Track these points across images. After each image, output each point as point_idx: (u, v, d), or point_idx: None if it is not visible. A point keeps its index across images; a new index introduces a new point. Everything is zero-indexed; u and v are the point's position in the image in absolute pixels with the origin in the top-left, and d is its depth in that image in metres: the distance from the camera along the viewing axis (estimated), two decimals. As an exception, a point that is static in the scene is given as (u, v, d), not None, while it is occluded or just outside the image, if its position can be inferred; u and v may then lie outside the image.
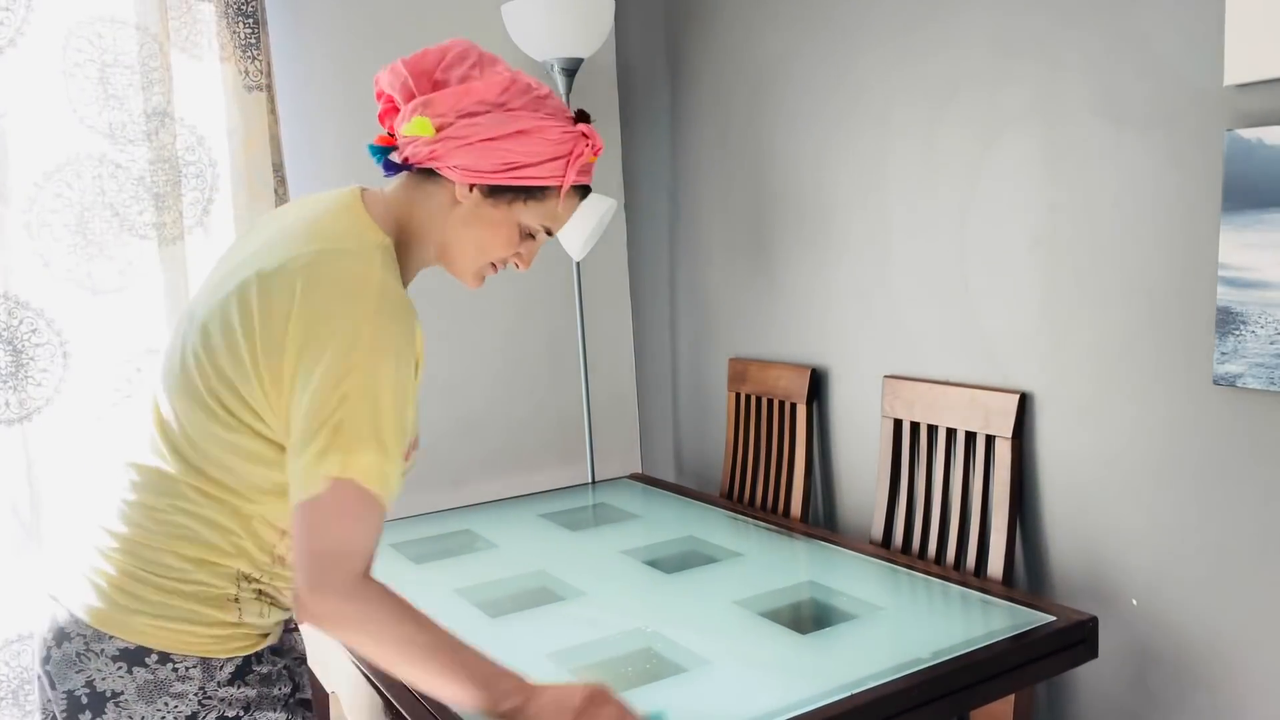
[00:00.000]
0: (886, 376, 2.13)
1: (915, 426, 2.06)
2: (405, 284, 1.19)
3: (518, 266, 1.24)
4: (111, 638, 1.08)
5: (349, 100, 2.52)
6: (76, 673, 1.09)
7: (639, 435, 3.06)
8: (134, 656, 1.08)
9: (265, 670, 1.15)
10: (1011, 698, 1.54)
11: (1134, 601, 1.73)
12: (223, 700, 1.11)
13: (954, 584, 1.72)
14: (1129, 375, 1.69)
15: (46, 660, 1.11)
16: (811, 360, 2.37)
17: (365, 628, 1.05)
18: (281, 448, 1.08)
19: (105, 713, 1.08)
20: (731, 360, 2.58)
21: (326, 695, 2.00)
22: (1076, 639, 1.52)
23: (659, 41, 2.76)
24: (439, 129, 1.12)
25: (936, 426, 2.01)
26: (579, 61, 2.47)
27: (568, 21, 2.36)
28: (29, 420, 2.12)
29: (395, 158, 1.19)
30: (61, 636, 1.10)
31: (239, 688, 1.12)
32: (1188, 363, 1.60)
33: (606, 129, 2.92)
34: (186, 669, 1.09)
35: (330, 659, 1.66)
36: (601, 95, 2.91)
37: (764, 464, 2.46)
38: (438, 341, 2.68)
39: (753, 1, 2.41)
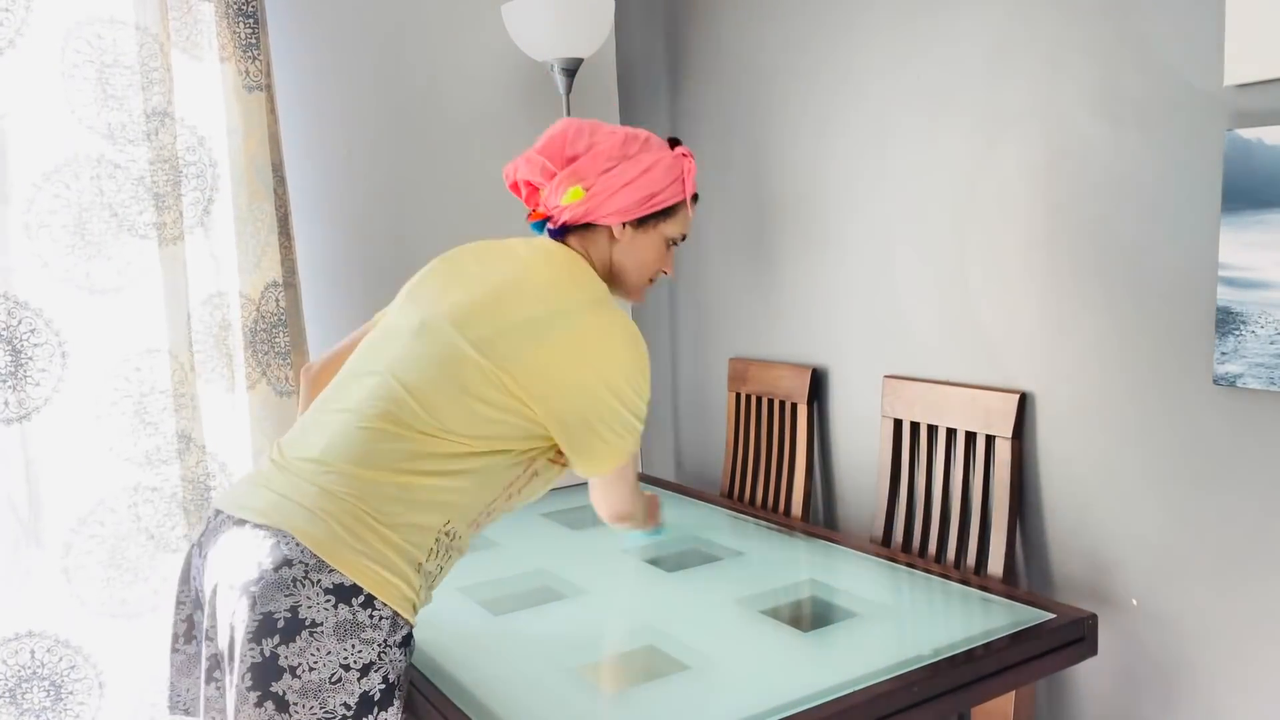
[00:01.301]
0: (886, 376, 2.13)
1: (915, 426, 2.06)
2: None
3: (666, 274, 1.54)
4: (332, 570, 1.19)
5: (349, 100, 2.52)
6: (285, 596, 1.17)
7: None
8: (345, 593, 1.18)
9: (411, 650, 1.27)
10: (1012, 695, 1.54)
11: (1134, 601, 1.73)
12: (392, 661, 1.21)
13: (954, 582, 1.72)
14: (1129, 375, 1.70)
15: (258, 582, 1.18)
16: (811, 360, 2.37)
17: (639, 521, 1.59)
18: (527, 434, 1.33)
19: (296, 640, 1.16)
20: (731, 360, 2.58)
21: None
22: (1076, 636, 1.53)
23: (659, 41, 2.76)
24: (587, 190, 1.41)
25: (936, 426, 2.01)
26: (579, 61, 2.48)
27: (568, 21, 2.36)
28: (28, 420, 2.12)
29: (552, 225, 1.47)
30: (283, 563, 1.19)
31: (404, 654, 1.23)
32: (1188, 363, 1.61)
33: (606, 129, 2.93)
34: (381, 618, 1.20)
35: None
36: (601, 95, 2.91)
37: (764, 464, 2.47)
38: (437, 341, 2.68)
39: (753, 1, 2.41)
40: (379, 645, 1.20)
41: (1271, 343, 1.47)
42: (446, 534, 1.29)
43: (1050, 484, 1.85)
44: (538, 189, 1.47)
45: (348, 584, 1.19)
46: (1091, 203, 1.72)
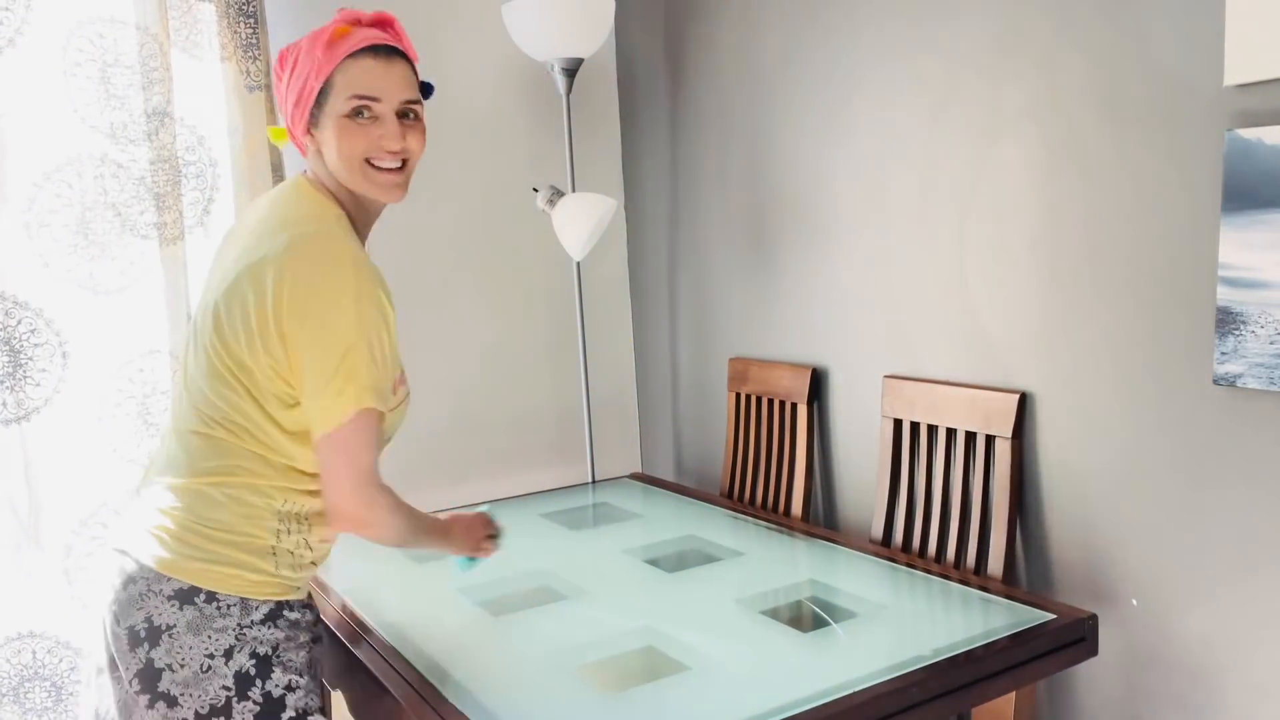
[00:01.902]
0: (886, 376, 2.13)
1: (915, 426, 2.06)
2: (364, 236, 1.43)
3: (391, 146, 1.35)
4: (170, 579, 1.28)
5: (349, 100, 2.51)
6: (137, 610, 1.28)
7: (639, 435, 3.06)
8: (186, 595, 1.28)
9: (294, 617, 1.35)
10: (1012, 695, 1.54)
11: (1134, 601, 1.73)
12: (255, 638, 1.31)
13: (954, 582, 1.72)
14: (1129, 375, 1.70)
15: (114, 602, 1.30)
16: (811, 360, 2.37)
17: (392, 522, 1.34)
18: (294, 402, 1.31)
19: (160, 643, 1.28)
20: (731, 360, 2.58)
21: (329, 693, 2.00)
22: (1077, 637, 1.53)
23: (659, 41, 2.76)
24: (282, 115, 1.40)
25: (936, 426, 2.01)
26: (579, 61, 2.48)
27: (568, 21, 2.36)
28: (27, 420, 2.12)
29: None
30: (128, 581, 1.30)
31: (269, 629, 1.32)
32: (1188, 363, 1.61)
33: (606, 129, 2.92)
34: (228, 606, 1.29)
35: (332, 658, 1.66)
36: (601, 95, 2.91)
37: (764, 464, 2.47)
38: (438, 341, 2.68)
39: (753, 1, 2.41)
40: (233, 630, 1.30)
41: (1271, 343, 1.47)
42: (287, 514, 1.34)
43: (1050, 484, 1.85)
44: None
45: (186, 587, 1.29)
46: (1091, 202, 1.72)
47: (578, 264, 2.59)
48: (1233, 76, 1.47)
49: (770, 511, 2.39)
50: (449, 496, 2.72)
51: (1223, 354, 1.53)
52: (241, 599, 1.30)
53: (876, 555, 1.89)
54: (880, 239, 2.14)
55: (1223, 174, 1.50)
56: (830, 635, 1.52)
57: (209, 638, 1.28)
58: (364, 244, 1.41)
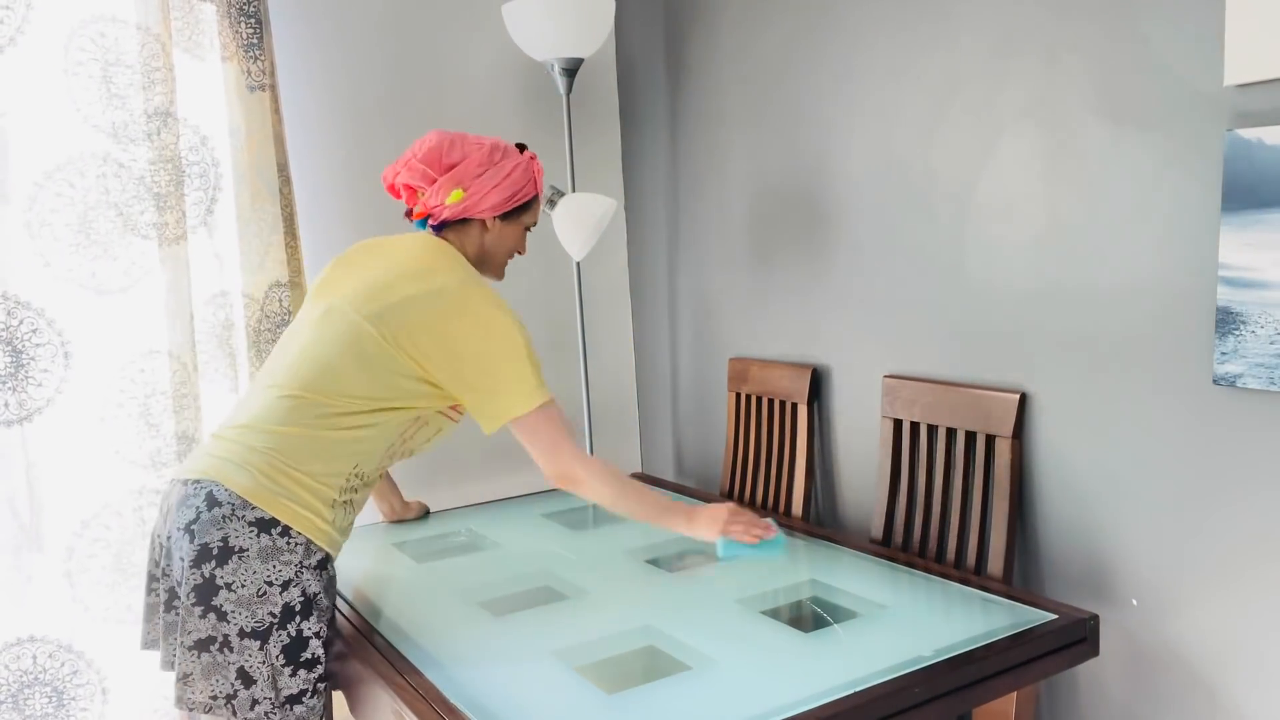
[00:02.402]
0: (886, 376, 2.13)
1: (915, 426, 2.07)
2: None
3: (522, 254, 1.86)
4: (254, 508, 1.50)
5: (352, 99, 2.52)
6: (217, 530, 1.48)
7: (639, 435, 3.06)
8: (265, 525, 1.50)
9: (332, 574, 1.58)
10: (1013, 696, 1.54)
11: (1134, 601, 1.73)
12: (307, 579, 1.52)
13: (954, 582, 1.72)
14: (1129, 375, 1.70)
15: (195, 521, 1.49)
16: (811, 360, 2.37)
17: (608, 481, 1.65)
18: (425, 385, 1.62)
19: (229, 563, 1.47)
20: (731, 360, 2.58)
21: (329, 694, 2.01)
22: (1078, 637, 1.53)
23: (659, 41, 2.76)
24: (466, 192, 1.71)
25: (936, 426, 2.01)
26: (579, 61, 2.48)
27: (568, 21, 2.36)
28: (29, 421, 2.12)
29: (433, 222, 1.74)
30: (213, 502, 1.50)
31: (318, 575, 1.54)
32: (1188, 363, 1.61)
33: (606, 129, 2.93)
34: (296, 544, 1.51)
35: (333, 658, 1.67)
36: (601, 95, 2.91)
37: (764, 464, 2.47)
38: (438, 341, 2.68)
39: (753, 1, 2.41)
40: (295, 565, 1.51)
41: (1271, 343, 1.47)
42: (356, 475, 1.60)
43: (1050, 484, 1.85)
44: (416, 191, 1.74)
45: (267, 517, 1.50)
46: (1091, 202, 1.72)
47: (578, 264, 2.59)
48: (1233, 76, 1.47)
49: (770, 511, 2.39)
50: (449, 496, 2.72)
51: (1223, 354, 1.53)
52: (307, 540, 1.52)
53: (876, 555, 1.89)
54: (880, 239, 2.14)
55: (1223, 174, 1.50)
56: (831, 635, 1.52)
57: (274, 567, 1.49)
58: None
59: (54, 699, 2.16)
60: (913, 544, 2.06)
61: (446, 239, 1.75)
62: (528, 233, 1.84)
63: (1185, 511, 1.64)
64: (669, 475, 2.95)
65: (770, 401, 2.46)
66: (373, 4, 2.53)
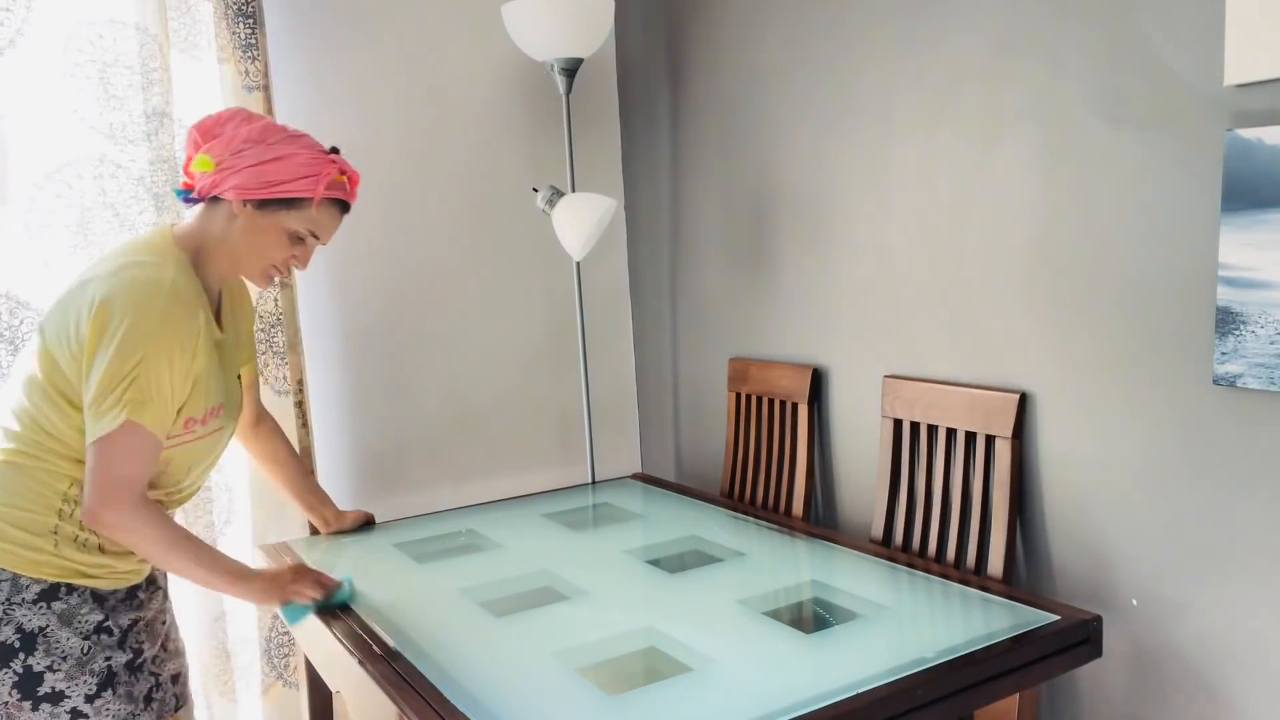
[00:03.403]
0: (886, 376, 2.13)
1: (915, 426, 2.07)
2: (210, 289, 1.59)
3: (297, 267, 1.62)
4: None
5: (348, 100, 2.52)
6: None
7: (639, 435, 3.06)
8: None
9: (74, 602, 1.45)
10: (1016, 697, 1.55)
11: (1134, 601, 1.73)
12: (22, 615, 1.41)
13: (954, 583, 1.72)
14: (1129, 375, 1.70)
15: None
16: (811, 360, 2.37)
17: (143, 534, 1.44)
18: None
19: None
20: (731, 360, 2.58)
21: (330, 694, 2.01)
22: (1081, 638, 1.53)
23: (659, 41, 2.76)
24: (217, 164, 1.52)
25: (936, 426, 2.01)
26: (579, 61, 2.48)
27: (568, 21, 2.36)
28: (29, 421, 2.12)
29: (193, 195, 1.57)
30: None
31: (40, 609, 1.42)
32: (1188, 363, 1.61)
33: (606, 129, 2.92)
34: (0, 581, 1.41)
35: (334, 658, 1.66)
36: (601, 95, 2.91)
37: (764, 464, 2.47)
38: (439, 341, 2.68)
39: (753, 1, 2.41)
40: (1, 605, 1.41)
41: (1271, 343, 1.47)
42: (72, 497, 1.47)
43: (1050, 484, 1.85)
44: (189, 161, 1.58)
45: None
46: (1091, 202, 1.72)
47: (578, 264, 2.59)
48: (1233, 76, 1.47)
49: (770, 511, 2.40)
50: (449, 496, 2.72)
51: (1223, 354, 1.53)
52: (13, 575, 1.42)
53: (877, 555, 1.89)
54: (880, 239, 2.14)
55: (1223, 174, 1.50)
56: (833, 636, 1.52)
57: None
58: (214, 288, 1.61)
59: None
60: (913, 544, 2.06)
61: (191, 225, 1.57)
62: (302, 244, 1.59)
63: (1186, 511, 1.64)
64: (669, 475, 2.95)
65: (770, 401, 2.46)
66: (371, 4, 2.53)
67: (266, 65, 2.27)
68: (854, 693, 1.33)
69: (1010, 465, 1.86)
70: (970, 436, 1.96)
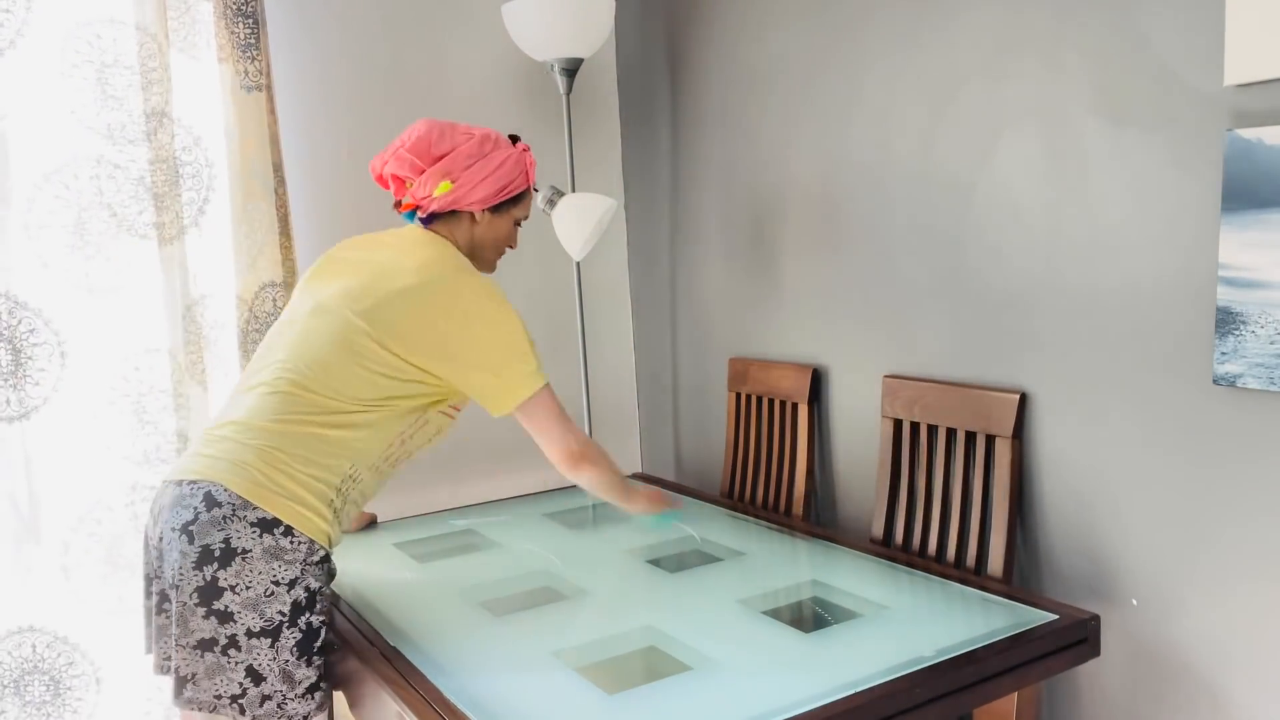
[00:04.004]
0: (886, 376, 2.13)
1: (915, 426, 2.07)
2: None
3: (513, 248, 1.86)
4: (255, 508, 1.49)
5: (350, 100, 2.52)
6: (218, 530, 1.47)
7: (639, 435, 3.06)
8: (268, 525, 1.49)
9: (331, 568, 1.58)
10: (1014, 696, 1.54)
11: (1134, 601, 1.73)
12: (312, 576, 1.52)
13: (954, 582, 1.72)
14: (1129, 375, 1.70)
15: (192, 522, 1.46)
16: (811, 360, 2.37)
17: (608, 464, 1.70)
18: (415, 382, 1.61)
19: (232, 564, 1.46)
20: (731, 360, 2.58)
21: (330, 694, 2.00)
22: (1079, 637, 1.53)
23: (659, 41, 2.76)
24: (454, 183, 1.68)
25: (936, 426, 2.01)
26: (579, 61, 2.48)
27: (568, 21, 2.36)
28: (27, 419, 2.12)
29: (422, 214, 1.72)
30: (212, 503, 1.48)
31: (320, 570, 1.54)
32: (1188, 363, 1.61)
33: (606, 129, 2.92)
34: (299, 544, 1.51)
35: (334, 658, 1.66)
36: (601, 95, 2.91)
37: (764, 464, 2.47)
38: (437, 341, 2.68)
39: (753, 1, 2.41)
40: (300, 565, 1.51)
41: (1271, 343, 1.47)
42: (351, 478, 1.59)
43: (1050, 484, 1.85)
44: (404, 182, 1.72)
45: (269, 518, 1.49)
46: (1091, 202, 1.72)
47: (578, 264, 2.59)
48: (1233, 76, 1.47)
49: (770, 511, 2.39)
50: (449, 496, 2.72)
51: (1223, 354, 1.53)
52: (310, 540, 1.52)
53: (877, 555, 1.89)
54: (880, 239, 2.14)
55: (1223, 174, 1.50)
56: (832, 635, 1.52)
57: (279, 567, 1.49)
58: None
59: (52, 688, 2.17)
60: (913, 544, 2.06)
61: (436, 231, 1.73)
62: (519, 227, 1.84)
63: (1185, 511, 1.64)
64: (669, 475, 2.95)
65: (770, 401, 2.46)
66: (371, 4, 2.53)
67: (267, 65, 2.27)
68: (853, 691, 1.33)
69: (1010, 465, 1.86)
70: (970, 436, 1.96)
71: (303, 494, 1.52)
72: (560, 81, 2.48)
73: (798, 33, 2.29)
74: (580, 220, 2.37)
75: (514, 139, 1.78)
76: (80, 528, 2.19)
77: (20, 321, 2.10)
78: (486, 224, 1.75)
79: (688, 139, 2.69)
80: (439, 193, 1.68)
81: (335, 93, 2.50)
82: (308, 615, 1.51)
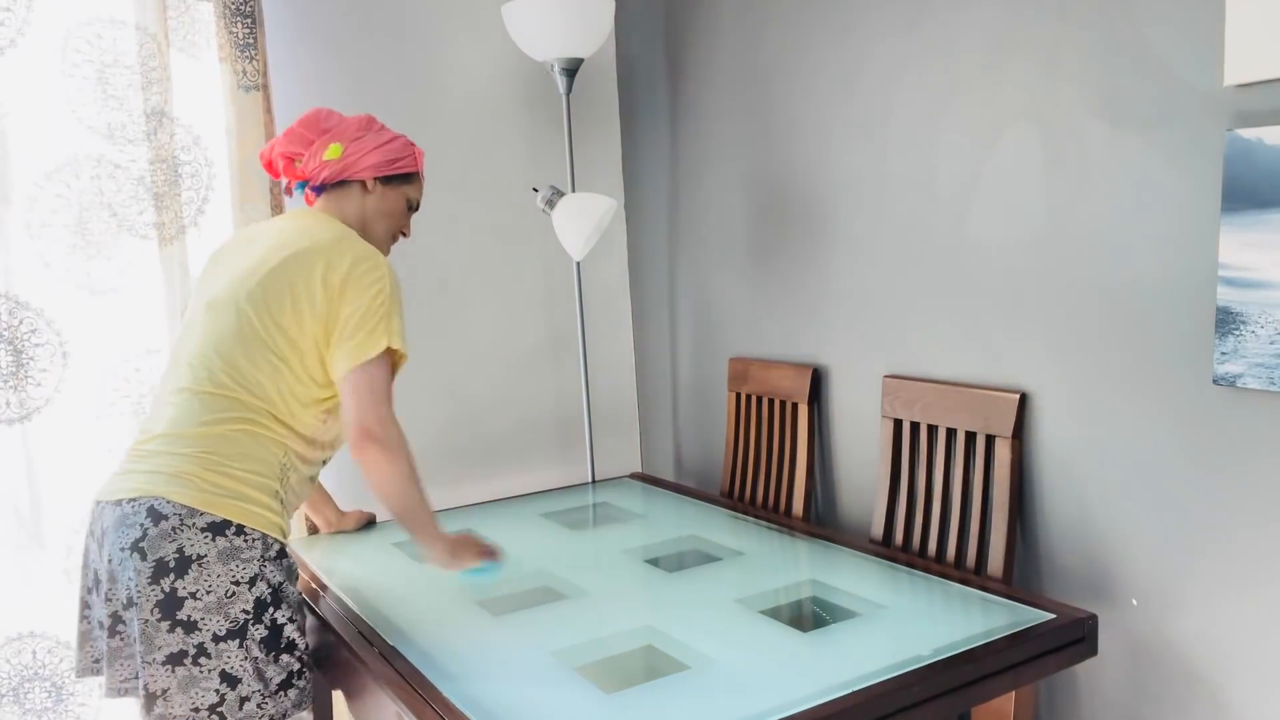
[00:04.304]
0: (886, 376, 2.13)
1: (915, 426, 2.06)
2: None
3: (406, 235, 1.84)
4: (203, 514, 1.47)
5: (349, 100, 2.52)
6: (169, 543, 1.45)
7: (639, 435, 3.06)
8: (218, 528, 1.48)
9: (289, 562, 1.57)
10: (1012, 695, 1.54)
11: (1134, 601, 1.73)
12: (271, 571, 1.51)
13: (954, 582, 1.72)
14: (1129, 375, 1.70)
15: (142, 540, 1.45)
16: (812, 360, 2.37)
17: (403, 456, 1.57)
18: (320, 379, 1.59)
19: (188, 573, 1.45)
20: (731, 360, 2.58)
21: (330, 694, 2.01)
22: (1076, 636, 1.53)
23: (659, 41, 2.76)
24: (344, 149, 1.70)
25: (936, 426, 2.01)
26: (579, 61, 2.48)
27: (568, 21, 2.36)
28: (29, 420, 2.12)
29: (313, 183, 1.73)
30: (158, 517, 1.46)
31: (279, 565, 1.53)
32: (1188, 363, 1.61)
33: (606, 129, 2.93)
34: (254, 540, 1.50)
35: (334, 658, 1.67)
36: (601, 95, 2.91)
37: (764, 464, 2.47)
38: (438, 342, 2.69)
39: (753, 1, 2.41)
40: (257, 561, 1.50)
41: (1271, 343, 1.47)
42: (286, 465, 1.59)
43: (1050, 484, 1.85)
44: (293, 160, 1.73)
45: (219, 520, 1.48)
46: (1091, 202, 1.72)
47: (578, 264, 2.59)
48: (1233, 76, 1.47)
49: (770, 511, 2.39)
50: (449, 496, 2.72)
51: (1223, 354, 1.53)
52: (263, 534, 1.51)
53: (876, 555, 1.89)
54: (880, 239, 2.14)
55: (1223, 174, 1.50)
56: (831, 635, 1.52)
57: (236, 567, 1.48)
58: None
59: (53, 694, 2.17)
60: (913, 544, 2.06)
61: (326, 208, 1.73)
62: (412, 213, 1.83)
63: (1185, 511, 1.64)
64: (669, 475, 2.95)
65: (770, 401, 2.46)
66: (370, 4, 2.53)
67: (264, 64, 2.27)
68: (851, 690, 1.33)
69: (1010, 465, 1.86)
70: (970, 436, 1.96)
71: (246, 490, 1.51)
72: (560, 81, 2.48)
73: (797, 32, 2.29)
74: (580, 220, 2.37)
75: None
76: (82, 530, 2.19)
77: (21, 322, 2.10)
78: (378, 196, 1.75)
79: (688, 139, 2.69)
80: (329, 157, 1.70)
81: (334, 93, 2.50)
82: (272, 611, 1.50)
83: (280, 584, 1.52)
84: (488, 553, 1.71)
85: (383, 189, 1.75)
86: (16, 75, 2.07)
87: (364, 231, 1.75)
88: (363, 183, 1.73)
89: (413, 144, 1.79)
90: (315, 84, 2.47)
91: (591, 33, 2.42)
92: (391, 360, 1.61)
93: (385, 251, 1.79)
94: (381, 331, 1.57)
